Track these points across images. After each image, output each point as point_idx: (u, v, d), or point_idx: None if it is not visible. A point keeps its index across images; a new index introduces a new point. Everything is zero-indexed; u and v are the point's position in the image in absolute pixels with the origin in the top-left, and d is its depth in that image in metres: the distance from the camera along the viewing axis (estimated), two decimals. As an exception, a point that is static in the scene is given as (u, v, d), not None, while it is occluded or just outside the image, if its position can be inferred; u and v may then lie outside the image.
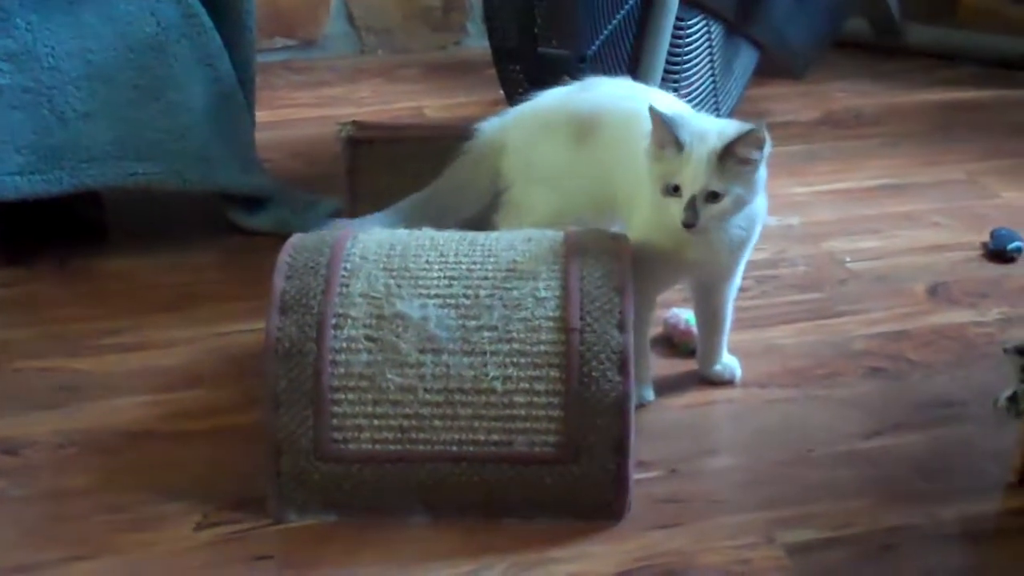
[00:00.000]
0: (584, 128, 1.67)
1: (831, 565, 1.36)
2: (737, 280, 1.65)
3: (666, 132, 1.47)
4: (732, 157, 1.47)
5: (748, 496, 1.48)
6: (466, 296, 1.44)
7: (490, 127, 1.77)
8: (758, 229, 1.58)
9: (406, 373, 1.41)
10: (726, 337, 1.69)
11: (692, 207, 1.47)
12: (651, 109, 1.48)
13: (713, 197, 1.47)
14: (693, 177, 1.47)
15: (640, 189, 1.57)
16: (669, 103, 1.68)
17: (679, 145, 1.47)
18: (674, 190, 1.48)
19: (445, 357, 1.41)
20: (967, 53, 3.10)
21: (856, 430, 1.60)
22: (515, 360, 1.40)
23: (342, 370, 1.41)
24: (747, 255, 1.62)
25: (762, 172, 1.51)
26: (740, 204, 1.50)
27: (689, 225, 1.48)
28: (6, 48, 1.94)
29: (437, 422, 1.40)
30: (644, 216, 1.57)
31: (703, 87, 2.48)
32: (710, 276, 1.63)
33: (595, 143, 1.66)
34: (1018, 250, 2.06)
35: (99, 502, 1.47)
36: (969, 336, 1.82)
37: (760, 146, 1.48)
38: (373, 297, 1.44)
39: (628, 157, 1.60)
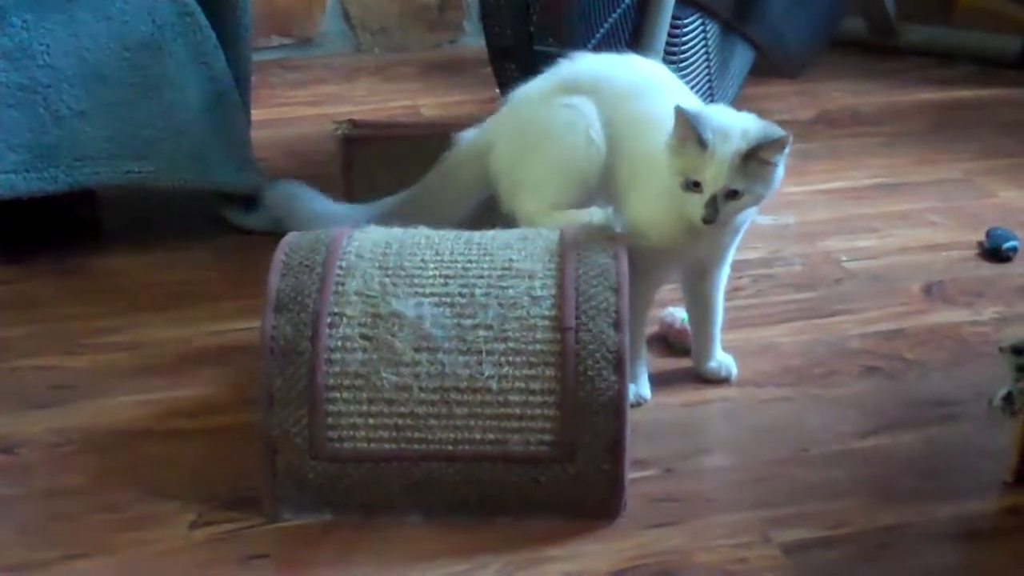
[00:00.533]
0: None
1: (827, 564, 1.36)
2: (727, 266, 1.66)
3: (689, 129, 1.47)
4: (755, 159, 1.47)
5: (744, 495, 1.48)
6: (462, 295, 1.44)
7: (472, 132, 1.77)
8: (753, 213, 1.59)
9: (401, 372, 1.40)
10: (719, 329, 1.69)
11: (713, 204, 1.48)
12: (677, 108, 1.48)
13: (733, 195, 1.48)
14: (715, 176, 1.47)
15: (639, 176, 1.57)
16: (657, 72, 1.68)
17: (702, 143, 1.47)
18: (694, 186, 1.49)
19: (440, 356, 1.41)
20: (963, 52, 3.10)
21: (852, 429, 1.60)
22: (510, 359, 1.40)
23: (337, 369, 1.40)
24: (740, 237, 1.63)
25: (780, 171, 1.52)
26: (758, 200, 1.52)
27: (709, 222, 1.48)
28: (1, 46, 1.94)
29: (432, 421, 1.40)
30: (648, 207, 1.57)
31: (699, 86, 2.48)
32: (706, 263, 1.64)
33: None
34: (1014, 249, 2.06)
35: (94, 501, 1.46)
36: (965, 335, 1.82)
37: (784, 150, 1.49)
38: (368, 296, 1.44)
39: (626, 136, 1.60)
